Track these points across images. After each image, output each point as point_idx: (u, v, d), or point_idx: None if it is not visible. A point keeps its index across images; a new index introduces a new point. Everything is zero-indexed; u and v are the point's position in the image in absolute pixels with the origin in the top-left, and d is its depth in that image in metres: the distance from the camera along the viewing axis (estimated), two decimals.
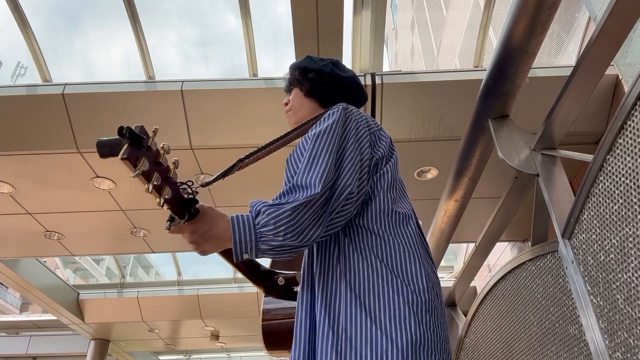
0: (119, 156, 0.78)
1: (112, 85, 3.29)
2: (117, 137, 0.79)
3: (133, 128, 0.79)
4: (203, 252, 1.03)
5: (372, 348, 0.92)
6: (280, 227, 0.93)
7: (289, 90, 1.44)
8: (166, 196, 0.87)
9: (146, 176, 0.83)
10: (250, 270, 1.37)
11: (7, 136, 3.33)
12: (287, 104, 1.43)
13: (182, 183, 0.94)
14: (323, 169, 1.00)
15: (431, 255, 1.15)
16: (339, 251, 1.06)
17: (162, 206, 0.88)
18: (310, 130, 1.13)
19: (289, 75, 1.44)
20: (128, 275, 9.97)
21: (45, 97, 3.24)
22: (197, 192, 0.96)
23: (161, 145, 0.86)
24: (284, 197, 0.98)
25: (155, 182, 0.84)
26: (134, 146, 0.79)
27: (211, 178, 1.11)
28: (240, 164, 1.17)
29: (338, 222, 1.01)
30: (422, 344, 0.94)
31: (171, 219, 0.97)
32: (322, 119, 1.14)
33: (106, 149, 0.79)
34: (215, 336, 8.78)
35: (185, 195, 0.94)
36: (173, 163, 0.90)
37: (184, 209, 0.94)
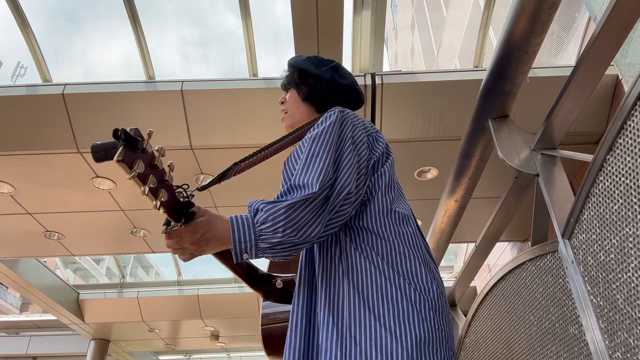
0: (114, 158, 0.77)
1: (112, 85, 3.29)
2: (112, 140, 0.78)
3: (128, 130, 0.79)
4: (191, 256, 1.00)
5: (377, 347, 0.92)
6: (279, 222, 0.92)
7: (286, 88, 1.43)
8: (162, 199, 0.87)
9: (142, 179, 0.82)
10: (248, 274, 1.35)
11: (7, 136, 3.33)
12: (283, 103, 1.42)
13: (178, 186, 0.94)
14: (320, 169, 1.00)
15: (432, 254, 1.15)
16: (340, 251, 1.06)
17: (159, 209, 0.88)
18: (307, 133, 1.13)
19: (288, 73, 1.42)
20: (128, 275, 9.96)
21: (45, 97, 3.24)
22: (192, 196, 0.96)
23: (156, 148, 0.85)
24: (282, 198, 0.98)
25: (151, 185, 0.84)
26: (130, 148, 0.79)
27: (207, 182, 1.11)
28: (236, 168, 1.16)
29: (336, 222, 1.01)
30: (428, 342, 0.94)
31: (167, 223, 0.96)
32: (318, 122, 1.15)
33: (101, 153, 0.78)
34: (215, 336, 8.78)
35: (181, 199, 0.94)
36: (168, 166, 0.90)
37: (180, 212, 0.94)
